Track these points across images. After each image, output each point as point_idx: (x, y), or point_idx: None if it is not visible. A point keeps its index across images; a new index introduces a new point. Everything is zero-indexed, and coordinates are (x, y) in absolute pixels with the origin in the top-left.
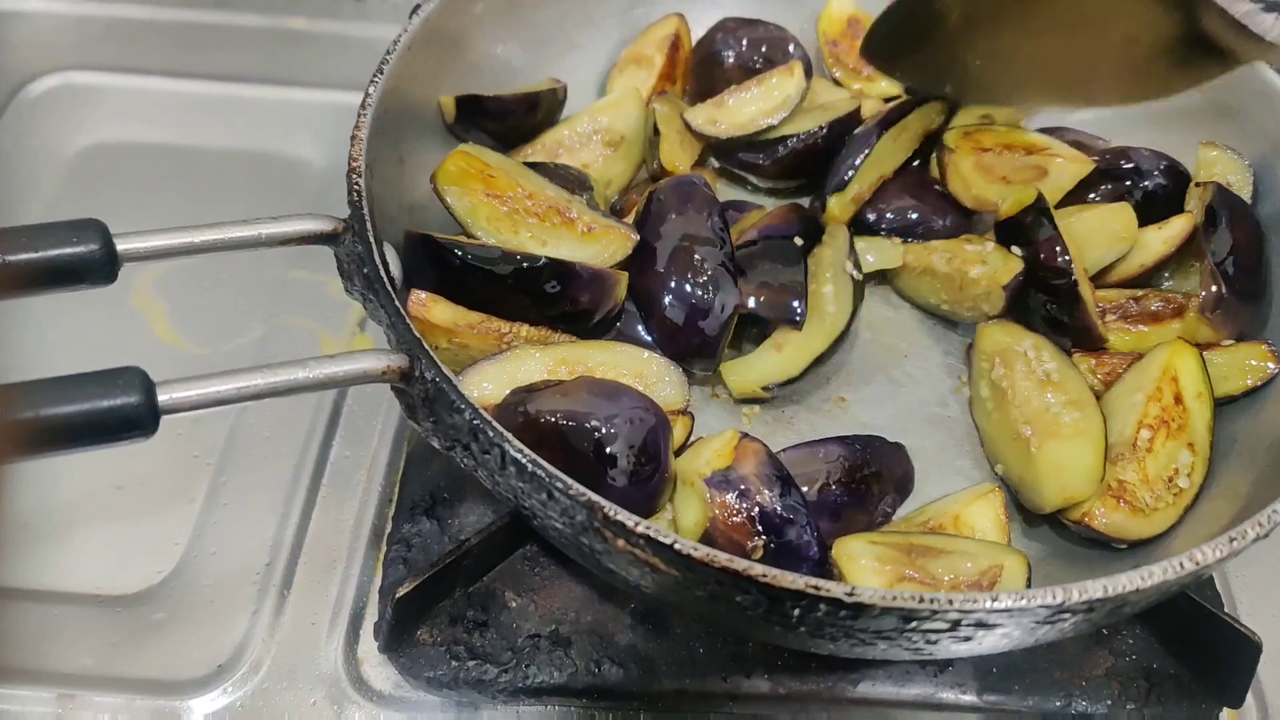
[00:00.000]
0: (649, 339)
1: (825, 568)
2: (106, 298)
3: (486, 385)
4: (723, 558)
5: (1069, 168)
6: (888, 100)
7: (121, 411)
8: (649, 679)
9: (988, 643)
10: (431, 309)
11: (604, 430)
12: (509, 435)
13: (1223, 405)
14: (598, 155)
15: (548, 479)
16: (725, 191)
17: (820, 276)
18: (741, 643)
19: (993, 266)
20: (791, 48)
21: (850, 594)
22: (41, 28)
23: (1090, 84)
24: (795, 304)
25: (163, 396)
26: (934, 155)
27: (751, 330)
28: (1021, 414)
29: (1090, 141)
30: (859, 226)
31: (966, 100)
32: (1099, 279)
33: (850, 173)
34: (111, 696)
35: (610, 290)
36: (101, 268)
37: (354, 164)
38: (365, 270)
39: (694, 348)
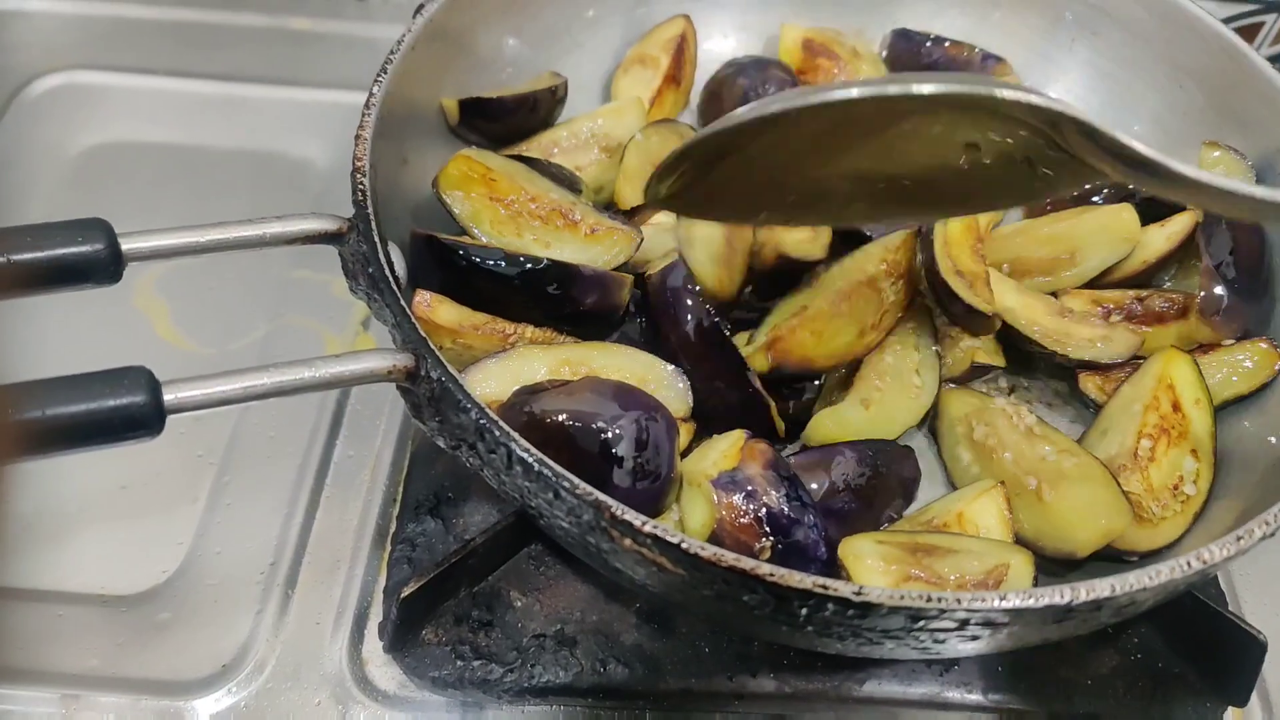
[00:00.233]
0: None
1: (833, 568)
2: (109, 297)
3: (490, 384)
4: (730, 557)
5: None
6: None
7: (127, 411)
8: (654, 678)
9: (995, 642)
10: (436, 309)
11: (610, 431)
12: (515, 435)
13: (1228, 405)
14: (592, 160)
15: (554, 478)
16: None
17: (906, 348)
18: (747, 642)
19: (980, 343)
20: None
21: (858, 593)
22: (45, 27)
23: (931, 201)
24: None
25: (168, 396)
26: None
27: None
28: (1020, 467)
29: None
30: None
31: (785, 224)
32: (1102, 279)
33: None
34: (116, 697)
35: (614, 292)
36: (106, 267)
37: (358, 163)
38: (370, 270)
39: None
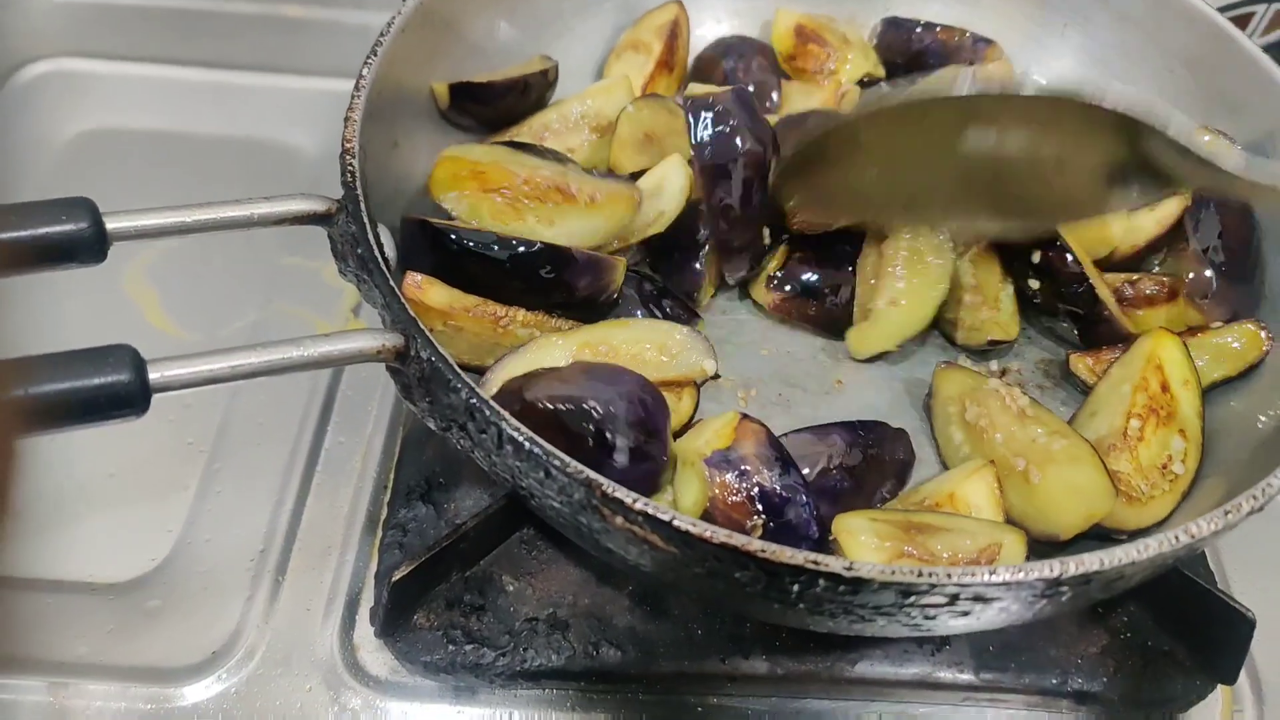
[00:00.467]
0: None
1: (824, 548)
2: (99, 284)
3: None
4: (721, 533)
5: None
6: (860, 83)
7: (112, 389)
8: (647, 661)
9: (986, 617)
10: (427, 291)
11: (602, 412)
12: (505, 414)
13: (1217, 386)
14: (583, 140)
15: (545, 457)
16: None
17: (916, 232)
18: (740, 624)
19: (995, 317)
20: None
21: (849, 568)
22: (34, 14)
23: (1020, 208)
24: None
25: (154, 374)
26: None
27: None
28: (1009, 448)
29: None
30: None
31: (891, 226)
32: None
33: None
34: (105, 684)
35: (606, 274)
36: (91, 246)
37: (348, 144)
38: (359, 250)
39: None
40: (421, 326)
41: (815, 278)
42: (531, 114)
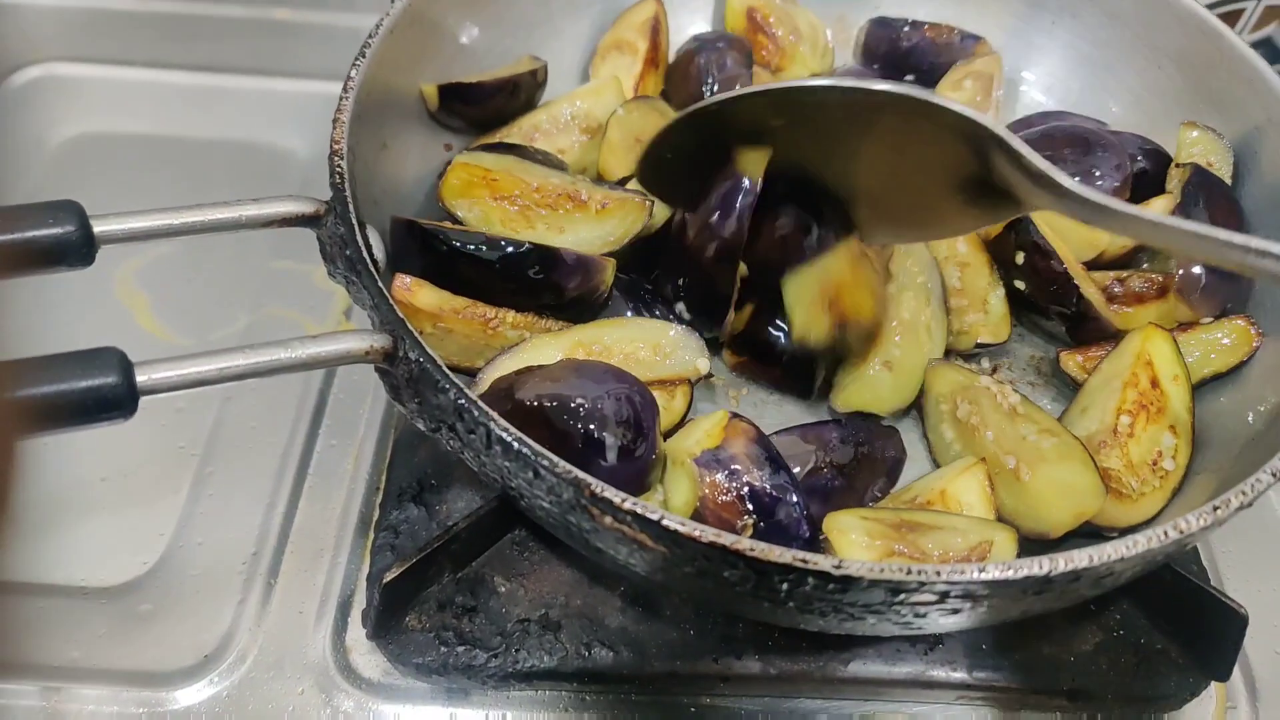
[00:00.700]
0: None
1: (815, 547)
2: (89, 290)
3: None
4: (710, 532)
5: None
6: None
7: (99, 392)
8: (640, 662)
9: (976, 615)
10: (416, 293)
11: (591, 411)
12: (494, 414)
13: (1207, 382)
14: (574, 141)
15: (533, 457)
16: None
17: (913, 295)
18: (732, 624)
19: (983, 320)
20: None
21: (838, 566)
22: (24, 19)
23: (884, 216)
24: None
25: (141, 377)
26: None
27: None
28: (1000, 446)
29: (1095, 126)
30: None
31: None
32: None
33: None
34: (98, 688)
35: (597, 276)
36: (79, 249)
37: (335, 146)
38: (348, 252)
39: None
40: (410, 327)
41: (779, 338)
42: (521, 115)
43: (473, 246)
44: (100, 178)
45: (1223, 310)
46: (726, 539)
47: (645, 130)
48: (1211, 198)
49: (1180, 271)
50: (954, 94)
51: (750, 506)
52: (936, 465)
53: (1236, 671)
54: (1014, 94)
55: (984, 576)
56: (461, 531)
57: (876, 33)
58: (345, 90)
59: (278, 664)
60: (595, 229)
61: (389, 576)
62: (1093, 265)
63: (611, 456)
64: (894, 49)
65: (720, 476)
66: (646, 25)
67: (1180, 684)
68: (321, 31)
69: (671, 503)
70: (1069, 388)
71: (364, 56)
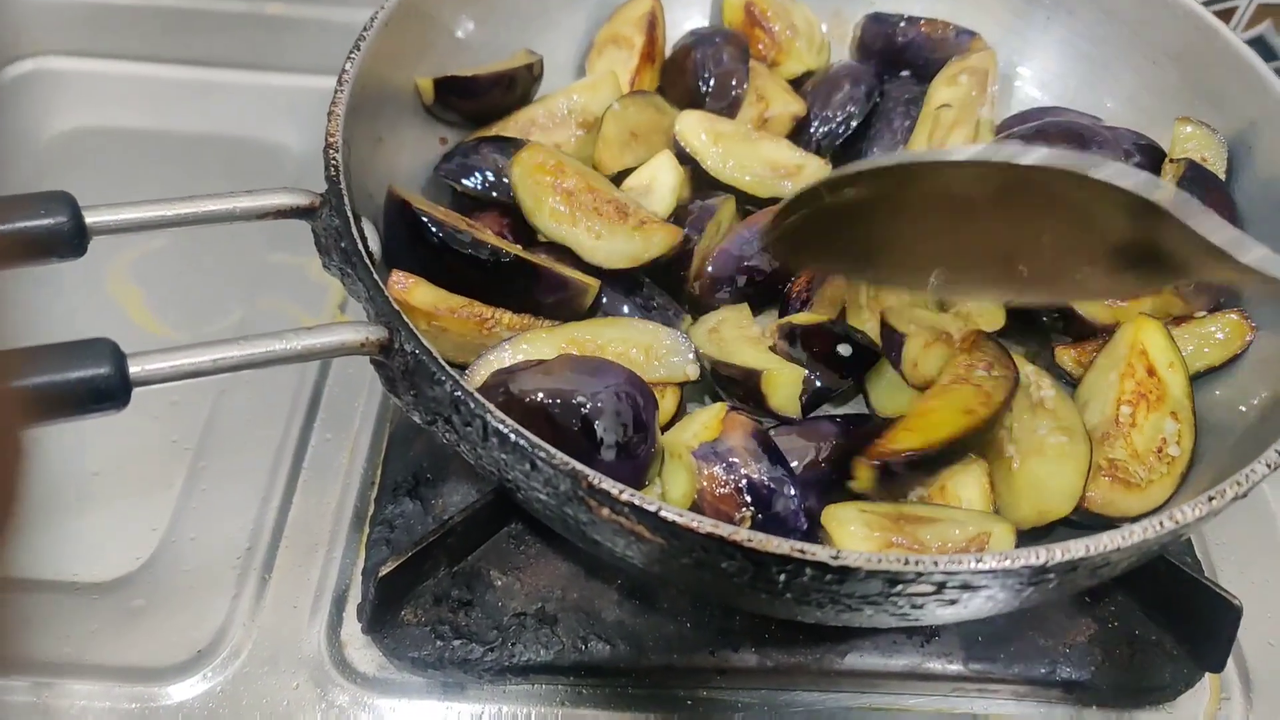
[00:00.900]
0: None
1: (813, 540)
2: (82, 284)
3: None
4: (707, 523)
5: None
6: (792, 80)
7: (92, 382)
8: (636, 655)
9: (973, 606)
10: (413, 291)
11: (589, 406)
12: (490, 406)
13: (1201, 375)
14: (570, 136)
15: (530, 449)
16: None
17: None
18: (729, 617)
19: (979, 308)
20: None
21: (836, 557)
22: (16, 12)
23: (1016, 280)
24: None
25: (134, 368)
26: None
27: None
28: (1009, 434)
29: (1090, 122)
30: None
31: (884, 284)
32: None
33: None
34: (90, 684)
35: (574, 299)
36: (70, 240)
37: (331, 139)
38: (343, 244)
39: None
40: (406, 320)
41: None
42: (517, 109)
43: (457, 244)
44: (94, 172)
45: (1216, 304)
46: (724, 530)
47: (641, 125)
48: (1205, 193)
49: None
50: (949, 89)
51: (748, 498)
52: None
53: (1230, 663)
54: (1009, 89)
55: (980, 566)
56: (457, 525)
57: (872, 28)
58: (340, 83)
59: (272, 659)
60: (627, 243)
61: (384, 570)
62: None
63: (611, 452)
64: (890, 44)
65: (718, 469)
66: (643, 20)
67: (1174, 675)
68: (316, 26)
69: (669, 495)
70: (1068, 383)
71: (359, 50)
